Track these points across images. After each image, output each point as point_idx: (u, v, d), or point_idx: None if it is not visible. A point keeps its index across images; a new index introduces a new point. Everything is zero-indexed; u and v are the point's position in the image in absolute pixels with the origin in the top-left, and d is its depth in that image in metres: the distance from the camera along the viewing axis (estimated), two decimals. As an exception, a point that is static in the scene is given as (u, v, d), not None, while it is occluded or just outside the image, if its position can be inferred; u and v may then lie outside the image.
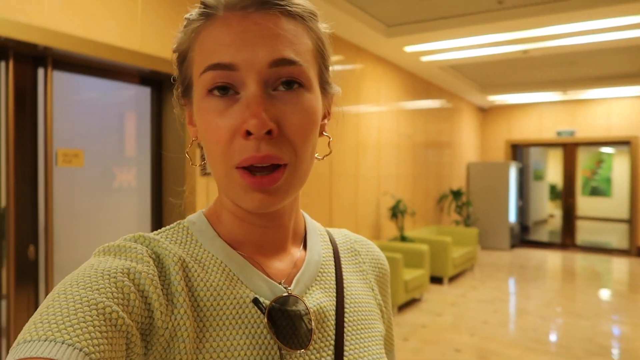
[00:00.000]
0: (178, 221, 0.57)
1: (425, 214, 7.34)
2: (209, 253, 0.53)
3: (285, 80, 0.48)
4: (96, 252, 0.49)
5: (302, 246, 0.61)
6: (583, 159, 13.99)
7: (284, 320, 0.51)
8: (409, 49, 5.44)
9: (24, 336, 0.37)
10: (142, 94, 3.15)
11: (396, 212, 5.84)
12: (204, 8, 0.50)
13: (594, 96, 8.66)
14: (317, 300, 0.56)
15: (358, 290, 0.62)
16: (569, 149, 9.45)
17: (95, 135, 2.86)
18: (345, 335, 0.57)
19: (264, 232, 0.56)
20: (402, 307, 5.08)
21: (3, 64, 2.36)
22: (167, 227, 0.56)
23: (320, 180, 4.65)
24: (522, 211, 10.61)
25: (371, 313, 0.62)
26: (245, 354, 0.48)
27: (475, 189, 9.09)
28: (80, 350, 0.36)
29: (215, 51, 0.48)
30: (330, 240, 0.65)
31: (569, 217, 9.54)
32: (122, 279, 0.43)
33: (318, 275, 0.58)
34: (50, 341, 0.35)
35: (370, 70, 5.58)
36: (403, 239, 5.97)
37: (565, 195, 9.64)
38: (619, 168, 12.96)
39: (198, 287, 0.50)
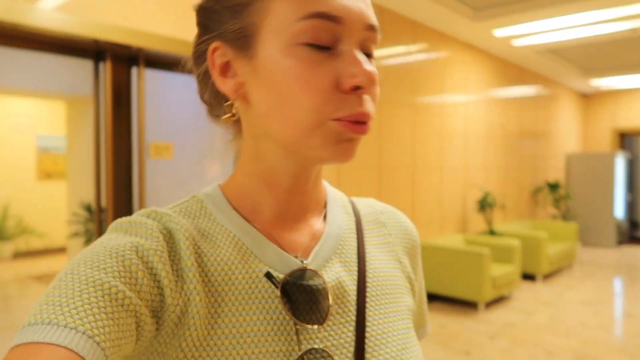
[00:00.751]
0: (193, 194, 0.56)
1: (518, 208, 6.94)
2: (222, 226, 0.52)
3: (368, 45, 0.49)
4: (109, 228, 0.49)
5: (322, 217, 0.58)
6: None
7: (300, 295, 0.49)
8: (498, 32, 5.15)
9: (29, 319, 0.36)
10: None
11: (484, 205, 5.58)
12: None
13: None
14: (336, 274, 0.54)
15: (382, 263, 0.60)
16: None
17: (185, 129, 3.04)
18: (367, 310, 0.54)
19: (291, 199, 0.54)
20: (490, 304, 4.86)
21: (102, 64, 2.58)
22: (182, 200, 0.55)
23: (401, 173, 4.57)
24: (632, 206, 9.67)
25: (397, 287, 0.59)
26: (259, 330, 0.47)
27: (575, 182, 8.42)
28: (84, 333, 0.35)
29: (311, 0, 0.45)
30: (354, 211, 0.63)
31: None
32: (129, 257, 0.43)
33: (338, 248, 0.56)
34: (54, 325, 0.35)
35: (456, 57, 5.36)
36: (492, 233, 5.70)
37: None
38: None
39: (209, 262, 0.49)
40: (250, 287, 0.49)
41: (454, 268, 4.64)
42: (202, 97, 0.57)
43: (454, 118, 5.36)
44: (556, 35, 5.32)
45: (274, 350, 0.47)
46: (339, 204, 0.62)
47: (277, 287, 0.49)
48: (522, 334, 4.08)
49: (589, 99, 9.27)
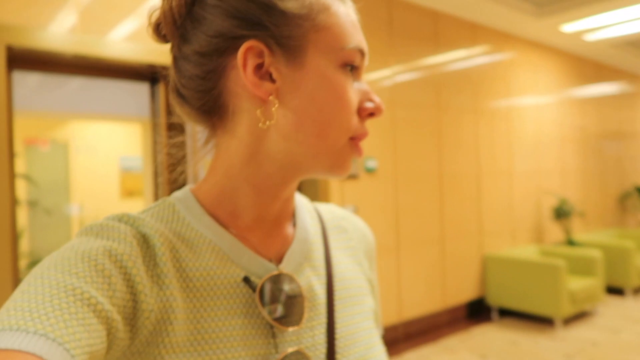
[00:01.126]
0: (163, 198, 0.55)
1: (602, 215, 6.40)
2: (197, 231, 0.52)
3: None
4: (78, 232, 0.47)
5: (292, 222, 0.60)
6: None
7: (275, 299, 0.51)
8: (567, 28, 4.82)
9: None
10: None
11: (560, 213, 5.20)
12: None
13: None
14: (307, 278, 0.56)
15: (347, 267, 0.62)
16: None
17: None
18: (335, 312, 0.57)
19: (273, 205, 0.55)
20: (569, 321, 4.48)
21: (157, 86, 2.72)
22: (152, 204, 0.54)
23: (464, 180, 4.38)
24: None
25: (360, 288, 0.62)
26: (238, 334, 0.48)
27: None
28: (54, 340, 0.34)
29: (353, 33, 0.51)
30: (319, 217, 0.64)
31: None
32: (102, 262, 0.42)
33: (307, 253, 0.58)
34: (22, 331, 0.34)
35: (522, 58, 5.09)
36: (571, 243, 5.28)
37: None
38: None
39: (187, 268, 0.49)
40: (228, 292, 0.50)
41: (528, 281, 4.34)
42: (189, 89, 0.52)
43: (523, 121, 5.06)
44: (635, 26, 4.88)
45: (252, 354, 0.48)
46: (305, 209, 0.63)
47: (254, 291, 0.50)
48: (606, 354, 3.72)
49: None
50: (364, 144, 3.55)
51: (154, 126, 2.77)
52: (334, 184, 3.36)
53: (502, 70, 4.82)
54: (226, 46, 0.49)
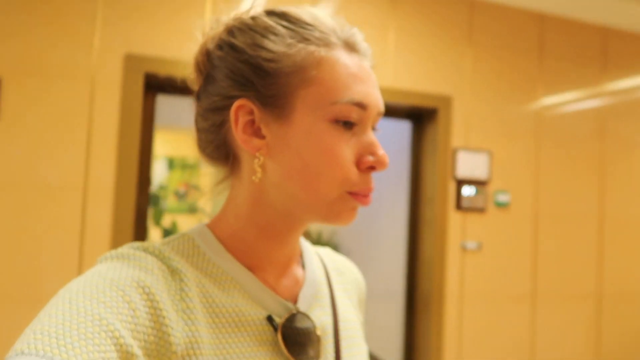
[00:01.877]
0: (181, 232, 0.56)
1: None
2: (219, 267, 0.53)
3: (374, 125, 0.56)
4: (103, 258, 0.48)
5: (300, 264, 0.63)
6: None
7: (295, 337, 0.53)
8: None
9: (22, 347, 0.35)
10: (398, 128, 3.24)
11: None
12: (323, 34, 0.52)
13: None
14: (319, 317, 0.59)
15: (347, 309, 0.65)
16: None
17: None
18: (341, 352, 0.59)
19: (282, 249, 0.57)
20: None
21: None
22: (170, 237, 0.55)
23: (635, 226, 3.59)
24: None
25: (358, 331, 0.65)
26: None
27: None
28: None
29: (350, 86, 0.51)
30: (321, 259, 0.68)
31: None
32: (129, 293, 0.42)
33: (316, 294, 0.61)
34: (48, 359, 0.34)
35: None
36: None
37: None
38: None
39: (214, 304, 0.50)
40: (252, 329, 0.51)
41: None
42: (202, 139, 0.58)
43: None
44: None
45: None
46: (311, 252, 0.67)
47: (276, 329, 0.52)
48: None
49: None
50: (498, 176, 3.19)
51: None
52: (454, 215, 3.07)
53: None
54: (224, 104, 0.54)
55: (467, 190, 3.08)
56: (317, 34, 0.52)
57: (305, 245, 0.66)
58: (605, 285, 3.49)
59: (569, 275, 3.37)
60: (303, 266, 0.62)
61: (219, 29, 0.55)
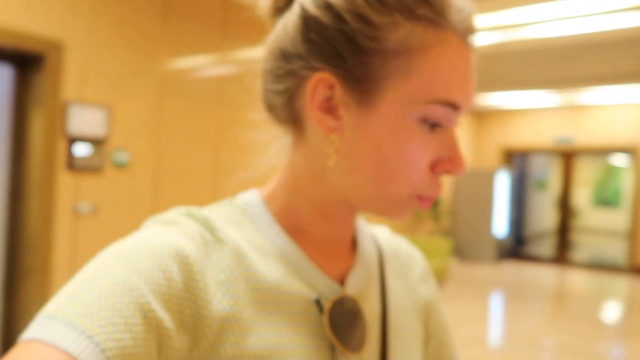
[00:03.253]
0: (230, 199, 0.54)
1: (399, 222, 6.76)
2: (266, 240, 0.51)
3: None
4: (147, 223, 0.48)
5: (352, 245, 0.59)
6: (593, 168, 13.32)
7: (341, 321, 0.50)
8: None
9: (51, 309, 0.36)
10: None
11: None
12: (435, 13, 0.45)
13: (595, 102, 7.96)
14: (367, 302, 0.55)
15: (401, 295, 0.61)
16: (568, 156, 8.75)
17: None
18: (389, 341, 0.56)
19: (336, 229, 0.54)
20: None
21: None
22: (220, 204, 0.53)
23: (196, 190, 4.11)
24: (518, 223, 9.95)
25: (412, 319, 0.61)
26: (301, 352, 0.47)
27: (462, 199, 8.43)
28: (97, 344, 0.34)
29: (451, 85, 0.45)
30: (375, 241, 0.63)
31: (565, 230, 8.83)
32: (166, 261, 0.41)
33: (366, 277, 0.57)
34: (72, 327, 0.35)
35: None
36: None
37: (561, 207, 8.94)
38: (630, 179, 12.18)
39: (255, 278, 0.47)
40: (294, 309, 0.49)
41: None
42: (270, 99, 0.53)
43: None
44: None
45: None
46: (366, 233, 0.62)
47: (322, 312, 0.50)
48: None
49: (480, 116, 9.41)
50: (118, 134, 3.05)
51: None
52: (65, 177, 2.79)
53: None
54: (302, 72, 0.48)
55: (81, 149, 2.83)
56: (430, 10, 0.45)
57: (360, 224, 0.62)
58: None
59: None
60: (355, 247, 0.59)
61: None
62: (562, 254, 8.75)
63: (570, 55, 5.61)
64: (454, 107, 0.46)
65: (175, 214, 0.48)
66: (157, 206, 3.32)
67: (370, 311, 0.55)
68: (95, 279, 0.38)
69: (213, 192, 3.77)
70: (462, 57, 0.47)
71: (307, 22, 0.47)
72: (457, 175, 0.49)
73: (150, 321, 0.38)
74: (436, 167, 0.48)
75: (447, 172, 0.48)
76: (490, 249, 8.11)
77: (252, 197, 0.54)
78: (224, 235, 0.48)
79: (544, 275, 7.65)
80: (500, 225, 8.38)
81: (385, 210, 0.50)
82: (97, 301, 0.36)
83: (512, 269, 7.88)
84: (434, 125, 0.46)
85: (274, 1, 0.52)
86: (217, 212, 0.51)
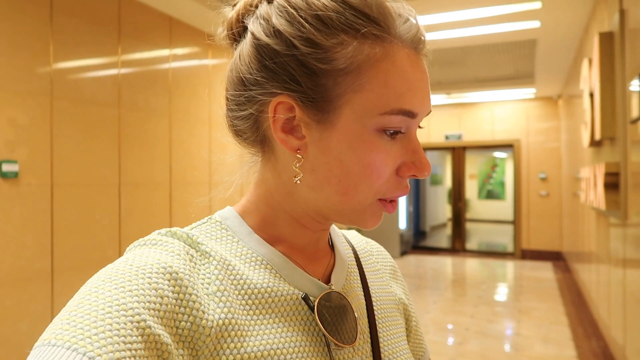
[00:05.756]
0: (208, 216, 0.56)
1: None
2: (248, 249, 0.53)
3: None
4: (130, 247, 0.49)
5: (329, 247, 0.62)
6: (479, 163, 14.48)
7: (331, 316, 0.52)
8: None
9: (49, 337, 0.36)
10: None
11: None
12: (379, 29, 0.48)
13: (479, 99, 8.69)
14: (353, 297, 0.58)
15: (379, 289, 0.64)
16: (457, 152, 9.44)
17: None
18: (378, 332, 0.59)
19: (314, 236, 0.57)
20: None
21: None
22: (198, 222, 0.55)
23: (156, 190, 3.91)
24: (417, 217, 10.53)
25: (393, 310, 0.64)
26: (298, 350, 0.49)
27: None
28: None
29: (403, 95, 0.47)
30: (348, 241, 0.67)
31: (459, 221, 9.52)
32: (156, 279, 0.42)
33: (347, 275, 0.60)
34: (73, 350, 0.35)
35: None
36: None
37: (454, 200, 9.62)
38: (511, 172, 13.42)
39: (245, 285, 0.49)
40: (285, 309, 0.50)
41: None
42: (233, 124, 0.56)
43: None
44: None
45: None
46: (339, 234, 0.65)
47: (312, 309, 0.51)
48: None
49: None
50: (4, 142, 2.74)
51: None
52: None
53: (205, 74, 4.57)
54: (262, 97, 0.50)
55: (-43, 162, 2.50)
56: (374, 27, 0.47)
57: (333, 228, 0.64)
58: (124, 250, 3.65)
59: (92, 245, 3.34)
60: (332, 249, 0.62)
61: None
62: (457, 244, 9.42)
63: (456, 59, 6.07)
64: (409, 114, 0.48)
65: (157, 235, 0.49)
66: (55, 219, 3.04)
67: (356, 305, 0.57)
68: (88, 303, 0.39)
69: (118, 201, 3.53)
70: (413, 66, 0.48)
71: (260, 49, 0.49)
72: (423, 177, 0.51)
73: (148, 338, 0.38)
74: (401, 172, 0.50)
75: (413, 175, 0.51)
76: (395, 243, 8.50)
77: (228, 213, 0.56)
78: (208, 249, 0.49)
79: (443, 264, 8.18)
80: (401, 220, 8.81)
81: (353, 220, 0.52)
82: (94, 324, 0.37)
83: (414, 261, 8.33)
84: (393, 134, 0.48)
85: (228, 30, 0.54)
86: (197, 229, 0.53)
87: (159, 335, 0.39)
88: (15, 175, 2.80)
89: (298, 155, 0.50)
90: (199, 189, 4.43)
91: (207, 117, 4.58)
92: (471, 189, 14.35)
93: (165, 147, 4.05)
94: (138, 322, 0.38)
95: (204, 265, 0.48)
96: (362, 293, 0.60)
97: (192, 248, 0.49)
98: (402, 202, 8.82)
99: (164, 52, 4.07)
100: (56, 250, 3.08)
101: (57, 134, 3.08)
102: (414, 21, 0.50)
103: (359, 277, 0.62)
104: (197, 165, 4.44)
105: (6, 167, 2.76)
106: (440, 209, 13.04)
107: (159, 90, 4.00)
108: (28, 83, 2.91)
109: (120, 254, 3.51)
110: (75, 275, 3.19)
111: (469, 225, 11.45)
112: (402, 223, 8.85)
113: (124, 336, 0.37)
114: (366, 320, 0.58)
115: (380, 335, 0.58)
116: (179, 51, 4.23)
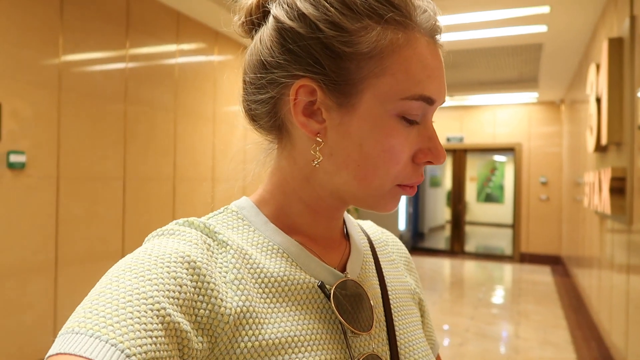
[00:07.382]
0: (225, 206, 0.57)
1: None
2: (265, 238, 0.53)
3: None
4: (149, 237, 0.50)
5: (344, 236, 0.62)
6: (479, 166, 14.50)
7: (347, 303, 0.52)
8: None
9: (72, 325, 0.37)
10: None
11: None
12: (402, 16, 0.49)
13: (481, 102, 8.70)
14: (368, 285, 0.58)
15: (394, 279, 0.64)
16: (458, 155, 9.45)
17: None
18: (394, 320, 0.59)
19: (327, 223, 0.58)
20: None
21: None
22: (214, 212, 0.56)
23: (159, 185, 3.90)
24: (416, 218, 10.54)
25: (408, 300, 0.64)
26: (315, 338, 0.49)
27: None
28: (122, 351, 0.35)
29: (423, 81, 0.48)
30: (363, 231, 0.67)
31: (458, 223, 9.53)
32: (175, 268, 0.43)
33: (362, 264, 0.60)
34: (96, 338, 0.36)
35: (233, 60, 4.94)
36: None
37: (454, 202, 9.64)
38: (511, 175, 13.45)
39: (262, 273, 0.50)
40: (302, 297, 0.51)
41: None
42: (250, 108, 0.56)
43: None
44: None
45: (330, 358, 0.49)
46: (354, 224, 0.66)
47: (328, 297, 0.51)
48: None
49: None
50: (11, 134, 2.73)
51: None
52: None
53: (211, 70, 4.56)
54: (283, 80, 0.51)
55: (-34, 151, 2.49)
56: (397, 14, 0.48)
57: (348, 217, 0.65)
58: (127, 243, 3.65)
59: (96, 238, 3.33)
60: (347, 238, 0.62)
61: None
62: (456, 246, 9.43)
63: (461, 62, 6.07)
64: (428, 101, 0.49)
65: (174, 225, 0.50)
66: (59, 207, 3.03)
67: (372, 294, 0.58)
68: (109, 292, 0.40)
69: (123, 195, 3.53)
70: (432, 54, 0.50)
71: (283, 33, 0.50)
72: (438, 164, 0.52)
73: (168, 326, 0.39)
74: (417, 158, 0.51)
75: (429, 162, 0.52)
76: (394, 244, 8.50)
77: (244, 203, 0.57)
78: (225, 238, 0.50)
79: (442, 265, 8.19)
80: (400, 221, 8.82)
81: (371, 204, 0.53)
82: (116, 312, 0.38)
83: (413, 261, 8.33)
84: (411, 120, 0.50)
85: (247, 17, 0.55)
86: (214, 219, 0.54)
87: (179, 323, 0.40)
88: (22, 166, 2.80)
89: (318, 139, 0.51)
90: (202, 184, 4.43)
91: (211, 113, 4.58)
92: (470, 192, 14.38)
93: (170, 142, 4.05)
94: (158, 310, 0.39)
95: (221, 254, 0.48)
96: (378, 282, 0.61)
97: (209, 237, 0.49)
98: (402, 203, 8.83)
99: (171, 47, 4.07)
100: (60, 243, 3.07)
101: (64, 126, 3.07)
102: (433, 11, 0.51)
103: (374, 267, 0.62)
104: (201, 160, 4.43)
105: (14, 158, 2.75)
106: (439, 211, 13.06)
107: (165, 85, 4.00)
108: (37, 74, 2.90)
109: (123, 247, 3.51)
110: (79, 267, 3.18)
111: (467, 228, 11.47)
112: (402, 224, 8.85)
113: (145, 324, 0.38)
114: (382, 308, 0.58)
115: (396, 323, 0.59)
116: (186, 47, 4.23)
